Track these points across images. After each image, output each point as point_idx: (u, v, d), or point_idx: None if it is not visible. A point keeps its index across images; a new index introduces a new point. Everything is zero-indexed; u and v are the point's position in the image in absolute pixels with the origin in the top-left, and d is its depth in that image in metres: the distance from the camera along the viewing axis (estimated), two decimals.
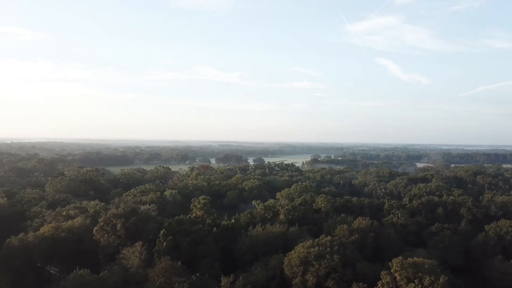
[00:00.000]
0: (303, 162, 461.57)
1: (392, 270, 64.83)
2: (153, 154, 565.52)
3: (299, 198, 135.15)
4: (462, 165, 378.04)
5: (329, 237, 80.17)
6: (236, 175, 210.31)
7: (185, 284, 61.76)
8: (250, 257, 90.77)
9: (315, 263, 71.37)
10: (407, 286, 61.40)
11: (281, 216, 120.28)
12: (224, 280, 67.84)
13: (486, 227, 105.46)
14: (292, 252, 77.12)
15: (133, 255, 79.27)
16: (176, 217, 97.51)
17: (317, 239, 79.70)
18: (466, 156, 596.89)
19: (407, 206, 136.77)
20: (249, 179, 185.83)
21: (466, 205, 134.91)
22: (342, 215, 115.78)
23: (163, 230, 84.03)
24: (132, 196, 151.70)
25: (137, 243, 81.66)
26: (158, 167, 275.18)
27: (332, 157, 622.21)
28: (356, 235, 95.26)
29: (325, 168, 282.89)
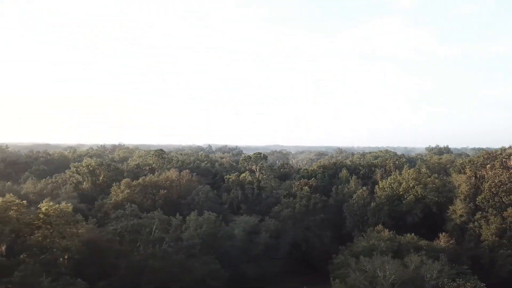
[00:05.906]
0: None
1: None
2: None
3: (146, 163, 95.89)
4: None
5: None
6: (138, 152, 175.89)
7: None
8: None
9: None
10: None
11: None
12: None
13: (377, 186, 64.21)
14: None
15: None
16: None
17: None
18: (456, 151, 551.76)
19: (301, 170, 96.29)
20: (147, 155, 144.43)
21: (386, 168, 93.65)
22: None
23: None
24: None
25: None
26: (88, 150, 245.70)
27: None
28: (128, 190, 55.59)
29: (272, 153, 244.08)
